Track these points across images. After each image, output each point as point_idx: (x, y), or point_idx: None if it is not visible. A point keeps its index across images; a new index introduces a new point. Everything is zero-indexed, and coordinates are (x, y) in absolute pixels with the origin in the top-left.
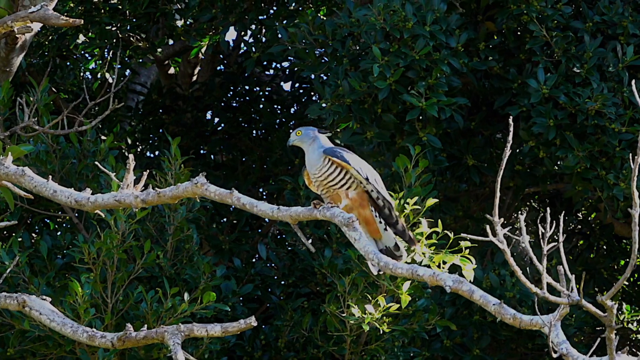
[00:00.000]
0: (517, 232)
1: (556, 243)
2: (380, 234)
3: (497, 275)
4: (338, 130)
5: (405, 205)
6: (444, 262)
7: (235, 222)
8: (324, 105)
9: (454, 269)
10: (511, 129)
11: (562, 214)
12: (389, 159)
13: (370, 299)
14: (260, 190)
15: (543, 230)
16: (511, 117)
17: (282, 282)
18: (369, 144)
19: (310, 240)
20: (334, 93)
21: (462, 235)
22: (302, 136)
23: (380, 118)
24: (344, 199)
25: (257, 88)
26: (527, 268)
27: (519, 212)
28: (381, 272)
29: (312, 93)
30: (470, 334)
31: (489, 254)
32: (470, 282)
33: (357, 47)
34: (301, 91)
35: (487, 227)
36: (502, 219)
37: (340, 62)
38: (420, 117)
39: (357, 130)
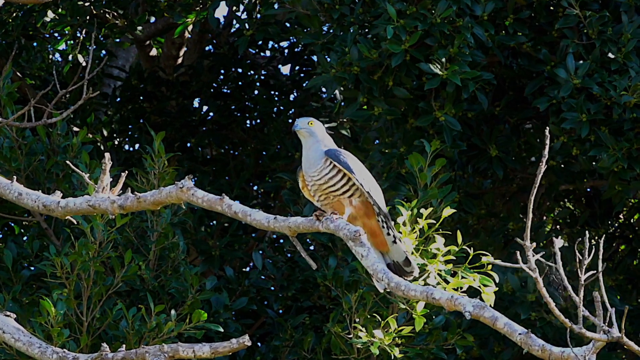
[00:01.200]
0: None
1: (596, 272)
2: (387, 247)
3: (519, 277)
4: (342, 105)
5: (417, 219)
6: (461, 288)
7: (226, 225)
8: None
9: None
10: (547, 141)
11: (602, 238)
12: (398, 139)
13: (380, 319)
14: (255, 188)
15: (580, 257)
16: (547, 141)
17: (281, 295)
18: (376, 122)
19: (312, 247)
20: (340, 60)
21: (484, 255)
22: (314, 128)
23: (392, 92)
24: (348, 207)
25: (252, 72)
26: (562, 301)
27: (553, 236)
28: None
29: (315, 76)
30: (490, 346)
31: (515, 258)
32: (491, 306)
33: (368, 14)
34: (302, 75)
35: (518, 253)
36: (533, 244)
37: (347, 30)
38: (438, 95)
39: (364, 105)
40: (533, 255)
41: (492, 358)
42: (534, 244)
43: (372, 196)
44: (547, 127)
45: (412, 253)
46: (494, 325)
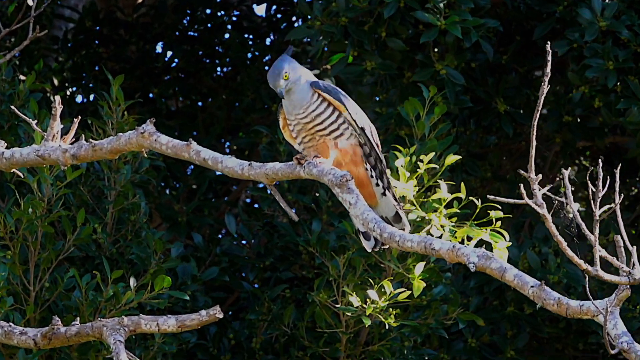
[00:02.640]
0: (562, 194)
1: (612, 206)
2: (376, 200)
3: (537, 253)
4: (328, 66)
5: (418, 163)
6: (469, 238)
7: (194, 186)
8: (311, 25)
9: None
10: (549, 56)
11: (619, 168)
12: (393, 97)
13: (372, 282)
14: (227, 145)
15: (594, 189)
16: (548, 49)
17: (257, 265)
18: (368, 78)
19: (293, 210)
20: (325, 10)
21: (492, 198)
22: (291, 77)
23: (385, 44)
24: (332, 149)
25: (222, 12)
26: (575, 240)
27: (563, 169)
28: (383, 248)
29: (295, 19)
30: (502, 330)
31: (527, 227)
32: None
33: None
34: (279, 15)
35: (522, 186)
36: (539, 176)
37: None
38: (438, 44)
39: (354, 60)
40: (539, 189)
41: (505, 344)
42: (540, 176)
43: (367, 135)
44: (548, 43)
45: (412, 204)
46: (502, 277)
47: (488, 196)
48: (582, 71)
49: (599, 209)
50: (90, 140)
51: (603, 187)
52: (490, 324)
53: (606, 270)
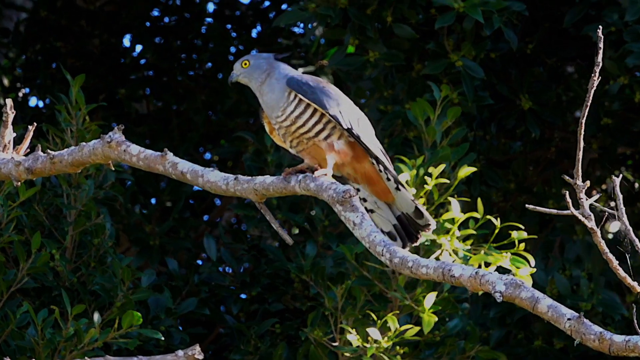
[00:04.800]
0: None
1: None
2: (391, 195)
3: (568, 277)
4: (324, 61)
5: (426, 177)
6: (486, 264)
7: (169, 204)
8: (304, 7)
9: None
10: (601, 42)
11: None
12: (401, 93)
13: (375, 318)
14: (207, 155)
15: None
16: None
17: (242, 296)
18: (372, 71)
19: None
20: None
21: (530, 208)
22: (251, 68)
23: (391, 31)
24: (329, 153)
25: None
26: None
27: (613, 176)
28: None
29: (285, 6)
30: None
31: (557, 247)
32: None
33: None
34: (267, 2)
35: (567, 194)
36: (587, 183)
37: None
38: (453, 32)
39: (354, 50)
40: (587, 199)
41: None
42: (588, 183)
43: (355, 132)
44: (600, 27)
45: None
46: (534, 308)
47: (527, 206)
48: (621, 59)
49: None
50: (48, 151)
51: None
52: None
53: None
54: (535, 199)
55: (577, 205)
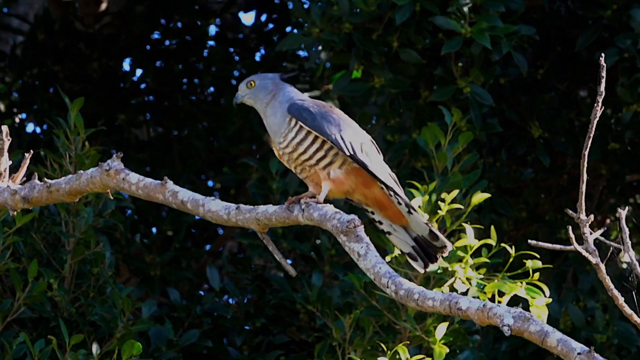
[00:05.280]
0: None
1: None
2: (405, 218)
3: (582, 309)
4: (329, 85)
5: (439, 203)
6: (501, 293)
7: (170, 233)
8: (307, 32)
9: (517, 303)
10: (603, 72)
11: None
12: (407, 121)
13: (385, 348)
14: (210, 183)
15: None
16: (603, 63)
17: (246, 327)
18: (377, 98)
19: (289, 262)
20: (325, 14)
21: (532, 244)
22: (257, 88)
23: (397, 56)
24: (325, 181)
25: (202, 21)
26: (634, 295)
27: (619, 208)
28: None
29: (290, 29)
30: None
31: (570, 277)
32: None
33: None
34: (271, 25)
35: (569, 229)
36: (590, 217)
37: None
38: (461, 57)
39: (357, 76)
40: (591, 233)
41: None
42: (592, 217)
43: (359, 158)
44: (602, 56)
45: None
46: (542, 342)
47: (529, 241)
48: (634, 86)
49: None
50: (45, 179)
51: None
52: None
53: None
54: (547, 227)
55: (581, 239)
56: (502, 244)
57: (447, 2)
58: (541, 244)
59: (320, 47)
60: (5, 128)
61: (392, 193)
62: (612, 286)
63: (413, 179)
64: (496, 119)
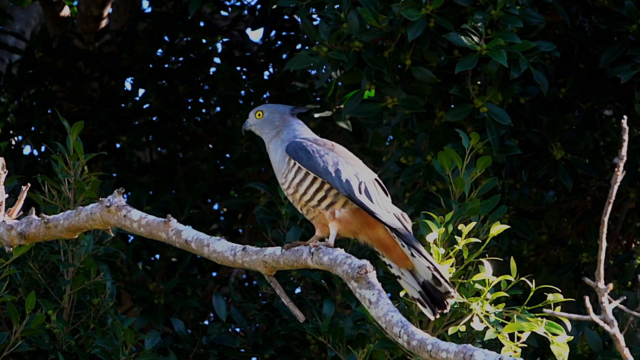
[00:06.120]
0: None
1: None
2: (410, 261)
3: (600, 334)
4: (339, 105)
5: (455, 237)
6: (520, 332)
7: (174, 259)
8: (315, 52)
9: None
10: (625, 136)
11: None
12: (422, 143)
13: None
14: (216, 207)
15: None
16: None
17: (254, 359)
18: (390, 119)
19: (299, 289)
20: (334, 32)
21: (550, 299)
22: (264, 120)
23: (410, 75)
24: (331, 222)
25: (208, 39)
26: None
27: None
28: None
29: (299, 46)
30: None
31: (592, 302)
32: None
33: None
34: (279, 43)
35: (587, 299)
36: (609, 286)
37: None
38: (477, 75)
39: (370, 95)
40: (610, 302)
41: None
42: (611, 286)
43: (357, 198)
44: (624, 119)
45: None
46: None
47: (546, 295)
48: None
49: None
50: (43, 215)
51: None
52: None
53: None
54: (569, 252)
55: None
56: (522, 278)
57: (463, 18)
58: (561, 314)
59: (329, 67)
60: (1, 160)
61: (395, 235)
62: (631, 358)
63: (428, 203)
64: (516, 140)
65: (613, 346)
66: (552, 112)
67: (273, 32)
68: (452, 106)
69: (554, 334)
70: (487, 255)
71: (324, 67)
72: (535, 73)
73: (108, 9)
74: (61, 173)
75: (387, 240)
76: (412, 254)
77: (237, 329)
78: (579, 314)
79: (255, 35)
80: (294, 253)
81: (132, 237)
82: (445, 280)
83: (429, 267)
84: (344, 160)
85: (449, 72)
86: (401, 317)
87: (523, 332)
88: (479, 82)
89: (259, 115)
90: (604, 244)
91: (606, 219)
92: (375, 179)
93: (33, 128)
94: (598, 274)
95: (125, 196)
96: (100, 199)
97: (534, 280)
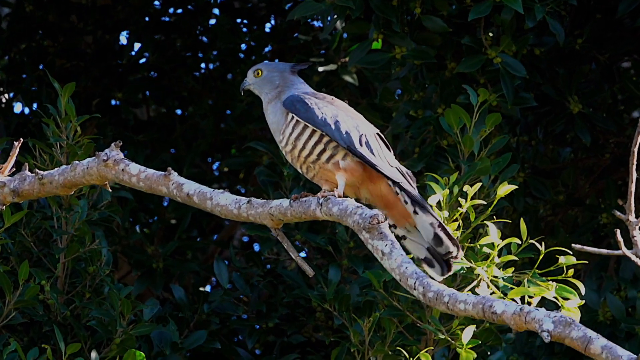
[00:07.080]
0: None
1: None
2: (412, 219)
3: (623, 299)
4: (347, 59)
5: (460, 199)
6: (530, 297)
7: (173, 221)
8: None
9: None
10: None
11: None
12: (432, 95)
13: (407, 356)
14: (216, 166)
15: None
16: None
17: (257, 327)
18: (399, 70)
19: (303, 254)
20: None
21: (576, 248)
22: (263, 79)
23: (420, 24)
24: (337, 172)
25: None
26: None
27: None
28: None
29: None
30: None
31: (612, 264)
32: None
33: None
34: None
35: (617, 232)
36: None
37: None
38: (491, 24)
39: (379, 46)
40: None
41: None
42: None
43: (357, 150)
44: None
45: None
46: (585, 350)
47: (573, 245)
48: None
49: None
50: (37, 170)
51: None
52: None
53: None
54: (587, 212)
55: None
56: (531, 240)
57: None
58: (586, 248)
59: (335, 16)
60: None
61: (397, 190)
62: None
63: (438, 159)
64: (530, 93)
65: (637, 312)
66: (568, 64)
67: None
68: (464, 57)
69: (566, 299)
70: (494, 217)
71: (329, 16)
72: (551, 22)
73: None
74: (53, 137)
75: (389, 196)
76: (414, 211)
77: (240, 296)
78: (597, 274)
79: None
80: (302, 204)
81: (128, 199)
82: (451, 237)
83: (432, 224)
84: (344, 113)
85: (460, 21)
86: (416, 269)
87: (532, 297)
88: (491, 34)
89: (258, 73)
90: (634, 175)
91: (636, 150)
92: (377, 134)
93: (24, 85)
94: (628, 207)
95: (124, 153)
96: (97, 152)
97: (543, 244)
